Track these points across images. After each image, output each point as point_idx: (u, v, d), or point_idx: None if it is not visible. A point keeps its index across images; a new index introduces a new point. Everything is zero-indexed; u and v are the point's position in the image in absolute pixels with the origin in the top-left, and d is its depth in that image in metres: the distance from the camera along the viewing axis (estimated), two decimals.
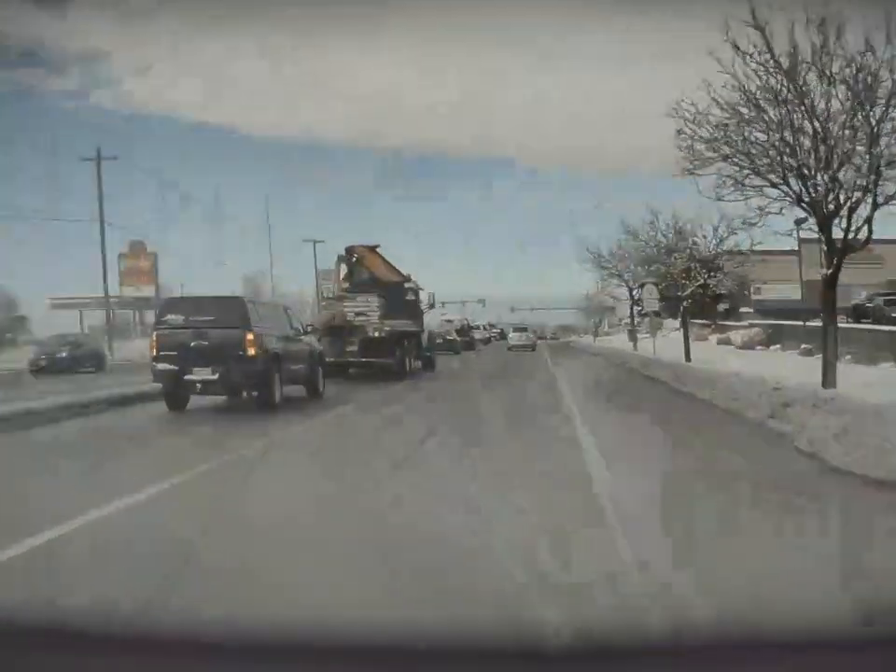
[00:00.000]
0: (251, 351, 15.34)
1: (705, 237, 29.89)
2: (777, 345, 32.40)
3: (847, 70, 13.19)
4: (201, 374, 15.38)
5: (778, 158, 14.03)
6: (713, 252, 30.16)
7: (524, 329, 58.96)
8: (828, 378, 14.09)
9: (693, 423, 13.21)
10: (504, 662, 2.25)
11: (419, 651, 2.37)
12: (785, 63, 13.50)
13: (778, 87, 13.68)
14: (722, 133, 14.46)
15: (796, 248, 28.40)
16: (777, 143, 13.96)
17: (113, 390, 17.07)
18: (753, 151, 14.29)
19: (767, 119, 14.03)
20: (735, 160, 14.50)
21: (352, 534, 5.88)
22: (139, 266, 54.76)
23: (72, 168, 55.11)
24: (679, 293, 30.00)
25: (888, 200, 13.69)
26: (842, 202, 13.92)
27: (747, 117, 14.26)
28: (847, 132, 13.49)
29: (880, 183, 13.55)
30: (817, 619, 3.25)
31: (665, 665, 2.11)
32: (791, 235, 16.38)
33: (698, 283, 30.21)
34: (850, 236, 14.13)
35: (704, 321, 41.91)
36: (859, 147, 13.49)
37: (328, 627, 3.17)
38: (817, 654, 2.09)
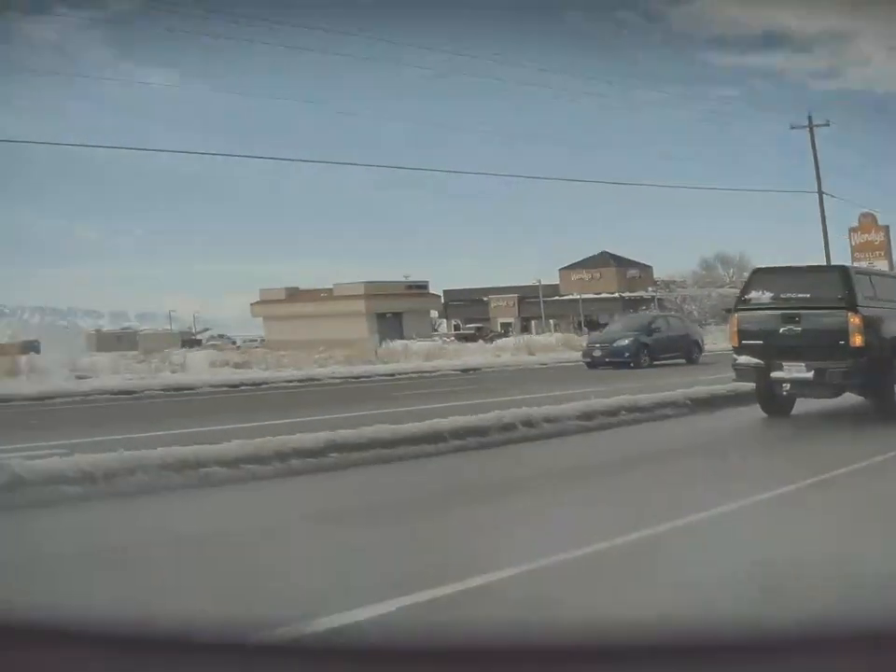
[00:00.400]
0: (856, 340, 10.98)
1: None
2: None
3: None
4: (791, 371, 11.54)
5: None
6: None
7: None
8: None
9: None
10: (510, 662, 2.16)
11: (420, 651, 2.32)
12: None
13: None
14: None
15: None
16: None
17: (692, 389, 13.77)
18: None
19: None
20: None
21: None
22: (870, 240, 50.14)
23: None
24: None
25: None
26: None
27: None
28: None
29: None
30: (817, 619, 3.18)
31: (666, 665, 2.03)
32: None
33: None
34: None
35: None
36: None
37: (328, 627, 3.19)
38: (817, 654, 2.05)
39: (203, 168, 66.16)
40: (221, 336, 58.37)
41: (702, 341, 28.21)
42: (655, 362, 25.00)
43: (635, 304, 58.88)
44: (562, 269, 61.30)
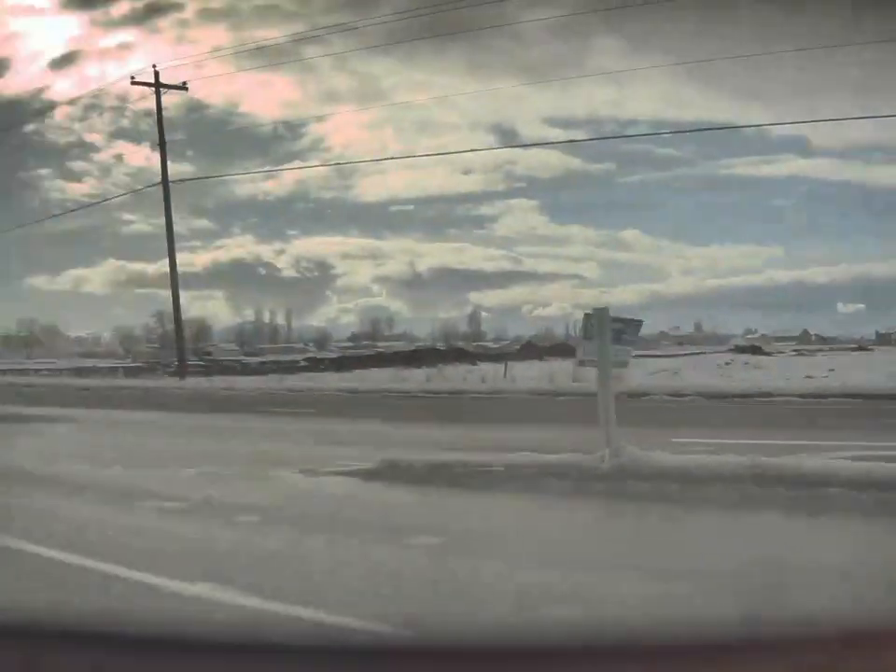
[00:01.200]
0: None
1: None
2: None
3: None
4: None
5: None
6: None
7: None
8: None
9: None
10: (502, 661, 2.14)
11: (419, 651, 2.30)
12: None
13: None
14: None
15: None
16: None
17: None
18: None
19: None
20: None
21: None
22: None
23: None
24: None
25: None
26: None
27: None
28: None
29: None
30: (816, 618, 3.12)
31: (665, 665, 1.98)
32: None
33: None
34: None
35: None
36: None
37: (327, 627, 3.23)
38: (816, 654, 1.95)
39: None
40: None
41: None
42: None
43: None
44: None
